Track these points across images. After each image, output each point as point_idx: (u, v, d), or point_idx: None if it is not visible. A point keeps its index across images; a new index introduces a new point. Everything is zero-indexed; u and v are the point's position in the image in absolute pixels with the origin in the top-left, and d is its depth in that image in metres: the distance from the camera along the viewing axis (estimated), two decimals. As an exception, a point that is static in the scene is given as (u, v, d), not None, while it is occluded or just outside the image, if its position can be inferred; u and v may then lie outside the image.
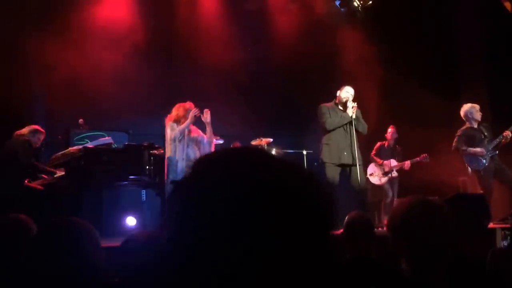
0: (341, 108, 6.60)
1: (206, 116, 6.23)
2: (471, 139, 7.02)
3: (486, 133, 7.04)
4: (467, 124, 7.14)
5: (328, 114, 6.49)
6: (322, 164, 6.51)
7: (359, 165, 6.39)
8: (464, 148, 6.99)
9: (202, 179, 0.74)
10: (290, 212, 0.70)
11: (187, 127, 6.15)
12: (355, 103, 6.50)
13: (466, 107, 7.17)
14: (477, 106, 7.13)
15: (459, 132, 7.12)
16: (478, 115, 7.09)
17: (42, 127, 6.76)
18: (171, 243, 0.73)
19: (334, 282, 0.74)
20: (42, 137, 6.08)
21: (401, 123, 8.36)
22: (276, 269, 0.68)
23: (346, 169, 6.48)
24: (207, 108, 6.27)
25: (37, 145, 6.06)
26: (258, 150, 0.80)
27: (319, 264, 0.72)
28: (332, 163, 6.42)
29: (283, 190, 0.71)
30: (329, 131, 6.47)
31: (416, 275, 1.69)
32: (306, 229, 0.71)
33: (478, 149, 6.94)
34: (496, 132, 7.12)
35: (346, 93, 6.59)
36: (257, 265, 0.68)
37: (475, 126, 7.09)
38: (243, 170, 0.73)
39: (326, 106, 6.61)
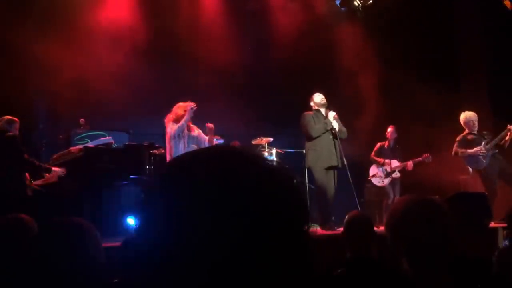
0: (323, 113, 6.83)
1: (210, 126, 6.34)
2: (470, 143, 7.11)
3: (485, 136, 7.09)
4: (467, 130, 7.23)
5: (313, 122, 6.73)
6: (310, 169, 6.76)
7: (346, 168, 6.63)
8: (462, 150, 7.10)
9: (174, 180, 0.74)
10: (264, 211, 0.70)
11: (186, 123, 6.15)
12: (335, 113, 6.76)
13: (463, 116, 7.29)
14: (474, 117, 7.22)
15: (458, 138, 7.25)
16: (474, 126, 7.17)
17: (43, 127, 6.77)
18: (144, 244, 0.73)
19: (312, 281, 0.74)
20: (18, 126, 5.94)
21: (401, 122, 8.36)
22: (252, 269, 0.68)
23: (332, 171, 6.71)
24: (207, 106, 6.32)
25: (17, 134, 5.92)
26: (232, 148, 0.79)
27: (296, 263, 0.72)
28: (321, 167, 6.64)
29: (257, 189, 0.72)
30: (313, 139, 6.71)
31: (416, 275, 1.69)
32: (282, 229, 0.71)
33: (475, 148, 7.01)
34: (498, 133, 7.13)
35: (318, 96, 6.90)
36: (233, 265, 0.68)
37: (475, 132, 7.18)
38: (216, 170, 0.73)
39: (309, 114, 6.84)
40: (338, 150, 6.69)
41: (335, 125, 6.74)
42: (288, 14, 9.03)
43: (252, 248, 0.68)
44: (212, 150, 0.80)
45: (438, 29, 9.47)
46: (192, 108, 6.15)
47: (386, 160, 8.19)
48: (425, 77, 8.47)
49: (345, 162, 6.64)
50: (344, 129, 6.88)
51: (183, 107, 6.19)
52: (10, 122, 5.82)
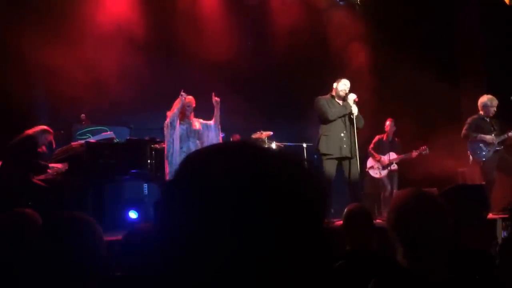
0: (337, 100, 6.59)
1: (217, 99, 6.20)
2: (478, 129, 6.97)
3: (495, 127, 7.00)
4: (479, 114, 7.07)
5: (327, 106, 6.48)
6: (320, 156, 6.48)
7: (357, 157, 6.42)
8: (474, 135, 6.94)
9: (193, 176, 0.73)
10: (285, 206, 0.69)
11: (178, 111, 6.09)
12: (355, 96, 6.50)
13: (483, 98, 7.07)
14: (494, 101, 7.03)
15: (469, 120, 7.07)
16: (491, 110, 7.01)
17: (45, 123, 6.79)
18: (164, 240, 0.73)
19: (331, 277, 0.74)
20: (50, 137, 6.09)
21: (400, 115, 8.35)
22: (272, 264, 0.68)
23: (343, 161, 6.46)
24: (207, 100, 6.30)
25: (44, 144, 6.05)
26: (250, 143, 0.78)
27: (316, 258, 0.72)
28: (330, 155, 6.39)
29: (277, 184, 0.70)
30: (328, 123, 6.45)
31: (414, 267, 1.72)
32: (302, 223, 0.71)
33: (488, 136, 6.90)
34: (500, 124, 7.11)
35: (344, 85, 6.58)
36: (253, 260, 0.68)
37: (486, 118, 7.04)
38: (235, 165, 0.72)
39: (323, 98, 6.60)
40: (351, 138, 6.39)
41: (355, 109, 6.42)
42: (287, 8, 9.01)
43: (269, 246, 0.68)
44: (227, 146, 0.78)
45: (438, 25, 9.45)
46: (182, 95, 6.06)
47: (383, 158, 8.19)
48: (424, 73, 8.45)
49: (357, 153, 6.39)
50: (362, 119, 6.57)
51: (179, 99, 6.17)
52: (42, 131, 5.98)
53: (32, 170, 5.82)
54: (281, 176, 0.72)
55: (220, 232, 0.68)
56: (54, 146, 6.13)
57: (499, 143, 6.92)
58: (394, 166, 8.20)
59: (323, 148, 6.44)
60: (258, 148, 0.76)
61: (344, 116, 6.49)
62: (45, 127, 6.06)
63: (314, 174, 0.76)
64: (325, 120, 6.48)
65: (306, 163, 0.77)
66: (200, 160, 0.76)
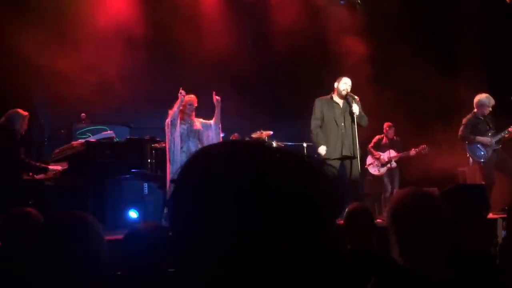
0: (337, 101, 6.58)
1: (217, 98, 6.22)
2: (475, 129, 6.96)
3: (491, 125, 6.99)
4: (474, 113, 7.05)
5: (319, 113, 6.48)
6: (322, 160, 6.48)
7: (358, 157, 6.43)
8: (472, 137, 6.92)
9: (200, 173, 0.73)
10: (292, 205, 0.69)
11: (178, 109, 6.11)
12: (356, 97, 6.49)
13: (480, 97, 7.02)
14: (491, 101, 6.99)
15: (464, 121, 7.05)
16: (487, 109, 6.98)
17: (45, 122, 6.77)
18: (172, 238, 0.73)
19: (337, 274, 0.73)
20: (27, 119, 5.80)
21: (400, 114, 8.35)
22: (279, 263, 0.68)
23: (344, 161, 6.46)
24: (207, 99, 6.30)
25: (25, 129, 5.81)
26: (258, 142, 0.78)
27: (324, 256, 0.72)
28: (330, 158, 6.35)
29: (285, 182, 0.70)
30: (324, 127, 6.46)
31: (413, 267, 1.72)
32: (311, 222, 0.70)
33: (486, 138, 6.88)
34: (498, 121, 7.10)
35: (344, 84, 6.54)
36: (259, 259, 0.67)
37: (481, 116, 7.02)
38: (243, 163, 0.72)
39: (321, 101, 6.57)
40: (352, 138, 6.35)
41: (356, 109, 6.39)
42: (286, 7, 9.01)
43: (276, 244, 0.68)
44: (235, 144, 0.79)
45: (438, 24, 9.45)
46: (180, 93, 6.07)
47: (382, 156, 8.21)
48: (425, 71, 8.45)
49: (357, 153, 6.38)
50: (365, 117, 6.54)
51: (177, 102, 6.18)
52: (19, 117, 5.74)
53: (22, 166, 5.70)
54: (289, 174, 0.71)
55: (224, 231, 0.68)
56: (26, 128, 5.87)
57: (497, 142, 6.92)
58: (393, 164, 8.21)
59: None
60: (264, 146, 0.76)
61: (345, 119, 6.47)
62: (18, 110, 5.72)
63: (323, 172, 0.75)
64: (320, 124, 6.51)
65: (314, 161, 0.76)
66: (204, 159, 0.76)
